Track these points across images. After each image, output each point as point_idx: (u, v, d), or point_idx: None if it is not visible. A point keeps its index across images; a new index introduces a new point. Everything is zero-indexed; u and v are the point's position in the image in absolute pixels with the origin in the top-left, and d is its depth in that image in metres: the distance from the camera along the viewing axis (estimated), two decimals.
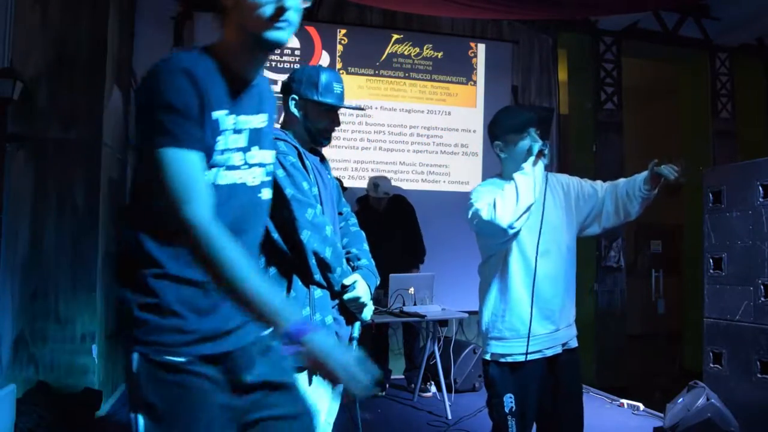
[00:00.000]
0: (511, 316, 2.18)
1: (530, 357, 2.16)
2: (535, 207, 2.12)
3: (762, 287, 3.51)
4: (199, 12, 4.98)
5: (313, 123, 1.94)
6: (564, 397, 2.23)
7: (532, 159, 2.11)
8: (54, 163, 3.89)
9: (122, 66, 4.64)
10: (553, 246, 2.18)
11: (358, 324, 1.93)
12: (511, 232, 2.05)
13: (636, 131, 6.62)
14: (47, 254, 3.85)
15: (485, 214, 2.04)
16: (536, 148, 2.11)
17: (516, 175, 2.08)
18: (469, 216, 2.14)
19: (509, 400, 2.17)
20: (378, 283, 2.02)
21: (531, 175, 2.07)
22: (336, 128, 2.00)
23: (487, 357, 2.25)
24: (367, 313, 1.92)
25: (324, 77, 1.92)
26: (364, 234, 2.14)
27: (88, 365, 3.88)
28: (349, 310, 1.90)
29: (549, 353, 2.19)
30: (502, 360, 2.20)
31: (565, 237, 2.23)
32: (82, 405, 3.66)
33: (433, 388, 4.75)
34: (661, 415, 3.85)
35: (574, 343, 2.25)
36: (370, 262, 2.04)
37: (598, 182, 2.35)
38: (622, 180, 2.30)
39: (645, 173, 2.21)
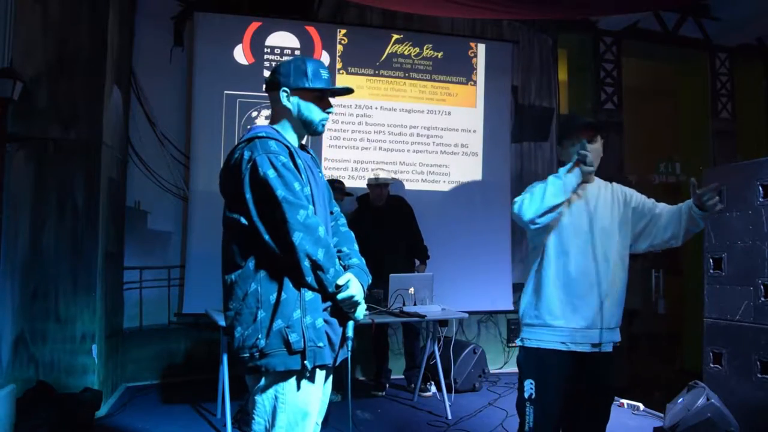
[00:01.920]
0: (541, 306, 2.28)
1: (551, 346, 2.24)
2: (584, 210, 2.28)
3: (762, 287, 3.51)
4: (199, 12, 4.99)
5: (308, 111, 1.96)
6: (589, 399, 2.28)
7: (569, 165, 2.25)
8: (54, 163, 3.89)
9: (122, 66, 4.64)
10: (599, 249, 2.27)
11: (351, 323, 1.91)
12: (533, 226, 2.22)
13: (636, 131, 6.62)
14: (47, 254, 3.85)
15: (516, 207, 2.24)
16: (575, 156, 2.24)
17: (550, 177, 2.24)
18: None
19: (530, 386, 2.26)
20: (370, 281, 2.00)
21: (562, 179, 2.20)
22: (329, 113, 2.02)
23: (519, 342, 2.38)
24: (360, 312, 1.91)
25: (310, 65, 1.95)
26: (353, 234, 2.14)
27: (88, 365, 3.89)
28: (341, 312, 1.88)
29: (575, 348, 2.24)
30: (528, 345, 2.31)
31: (616, 244, 2.31)
32: (82, 405, 3.66)
33: (433, 388, 4.74)
34: (661, 415, 3.85)
35: (607, 348, 2.29)
36: (361, 260, 2.03)
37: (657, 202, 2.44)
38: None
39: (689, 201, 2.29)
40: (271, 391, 1.81)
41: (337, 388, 4.58)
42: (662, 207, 2.38)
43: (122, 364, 4.80)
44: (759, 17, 5.86)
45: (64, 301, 3.87)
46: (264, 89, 2.04)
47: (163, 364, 4.96)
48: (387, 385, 4.86)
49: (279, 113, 1.99)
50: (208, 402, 4.18)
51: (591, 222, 2.29)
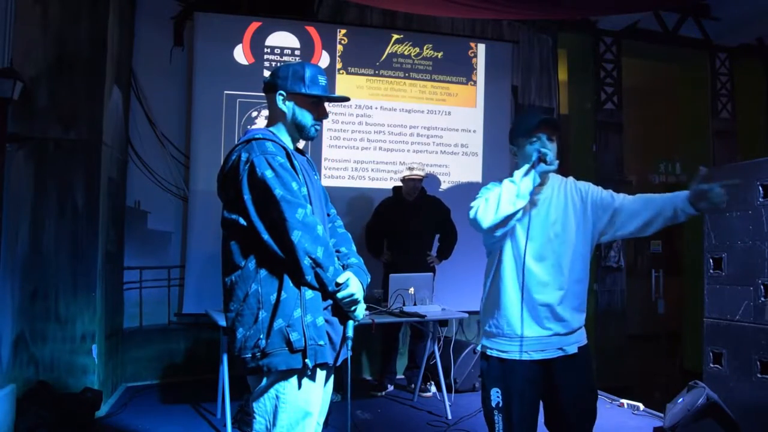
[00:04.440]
0: (499, 316, 2.21)
1: (513, 356, 2.18)
2: (548, 213, 2.14)
3: (762, 287, 3.51)
4: (199, 12, 4.99)
5: (302, 116, 1.97)
6: (567, 403, 2.21)
7: (526, 166, 2.09)
8: (54, 163, 3.89)
9: (122, 66, 4.64)
10: (554, 257, 2.16)
11: (351, 323, 1.91)
12: (492, 234, 2.09)
13: (636, 131, 6.63)
14: (47, 254, 3.85)
15: (472, 212, 2.09)
16: (535, 155, 2.08)
17: (505, 181, 2.09)
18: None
19: (495, 395, 2.21)
20: (369, 281, 2.01)
21: (518, 184, 2.05)
22: (324, 120, 2.04)
23: (479, 348, 2.33)
24: (360, 311, 1.92)
25: (308, 71, 1.96)
26: (350, 235, 2.16)
27: (88, 365, 3.89)
28: (341, 311, 1.88)
29: (537, 356, 2.17)
30: (489, 353, 2.25)
31: (573, 248, 2.19)
32: (82, 405, 3.66)
33: (433, 388, 4.74)
34: (661, 415, 3.85)
35: (572, 350, 2.20)
36: (360, 260, 2.04)
37: (617, 193, 2.31)
38: (654, 195, 2.23)
39: (685, 192, 2.12)
40: (272, 391, 1.82)
41: (337, 388, 4.59)
42: (622, 199, 2.24)
43: (122, 364, 4.80)
44: (759, 17, 5.86)
45: (64, 301, 3.87)
46: (262, 90, 2.05)
47: (163, 364, 4.96)
48: (389, 386, 4.85)
49: (275, 116, 2.01)
50: (208, 402, 4.18)
51: (544, 228, 2.15)
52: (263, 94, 2.05)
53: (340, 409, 4.25)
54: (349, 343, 1.89)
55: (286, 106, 1.96)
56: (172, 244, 5.05)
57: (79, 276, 3.90)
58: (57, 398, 3.63)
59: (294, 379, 1.81)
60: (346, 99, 2.13)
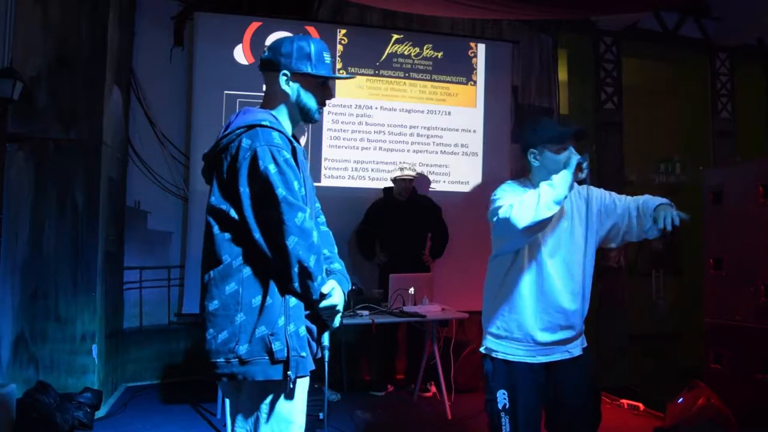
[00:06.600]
0: (511, 319, 2.20)
1: (521, 359, 2.18)
2: (560, 219, 2.15)
3: (762, 287, 3.51)
4: (199, 12, 4.99)
5: (308, 99, 1.83)
6: (568, 403, 2.22)
7: (565, 172, 2.06)
8: (54, 163, 3.89)
9: (122, 66, 4.64)
10: (566, 263, 2.19)
11: (327, 333, 1.80)
12: (524, 236, 2.06)
13: (636, 131, 6.61)
14: (47, 254, 3.85)
15: (503, 212, 2.03)
16: (574, 161, 2.08)
17: (543, 184, 2.05)
18: (490, 211, 2.14)
19: (502, 397, 2.19)
20: (350, 287, 1.89)
21: (557, 189, 2.02)
22: (329, 100, 1.89)
23: (482, 350, 2.30)
24: (337, 320, 1.81)
25: (314, 47, 1.80)
26: (332, 233, 2.02)
27: (88, 365, 3.89)
28: (319, 319, 1.76)
29: (543, 359, 2.19)
30: (494, 355, 2.23)
31: (584, 249, 2.22)
32: (82, 405, 3.65)
33: (433, 388, 4.74)
34: (661, 415, 3.85)
35: (577, 351, 2.23)
36: (342, 265, 1.93)
37: (622, 196, 2.31)
38: (645, 198, 2.24)
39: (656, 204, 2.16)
40: (253, 402, 1.72)
41: (337, 388, 4.60)
42: (622, 206, 2.24)
43: (122, 364, 4.80)
44: (759, 17, 5.86)
45: (64, 301, 3.87)
46: (259, 67, 1.87)
47: (163, 364, 4.96)
48: (389, 387, 4.85)
49: (276, 97, 1.84)
50: (208, 402, 4.18)
51: (558, 234, 2.18)
52: (262, 88, 1.93)
53: (340, 408, 4.25)
54: (326, 353, 1.80)
55: (291, 88, 1.81)
56: (172, 244, 5.05)
57: (79, 276, 3.90)
58: (57, 398, 3.62)
59: (275, 390, 1.71)
60: (351, 77, 2.04)
